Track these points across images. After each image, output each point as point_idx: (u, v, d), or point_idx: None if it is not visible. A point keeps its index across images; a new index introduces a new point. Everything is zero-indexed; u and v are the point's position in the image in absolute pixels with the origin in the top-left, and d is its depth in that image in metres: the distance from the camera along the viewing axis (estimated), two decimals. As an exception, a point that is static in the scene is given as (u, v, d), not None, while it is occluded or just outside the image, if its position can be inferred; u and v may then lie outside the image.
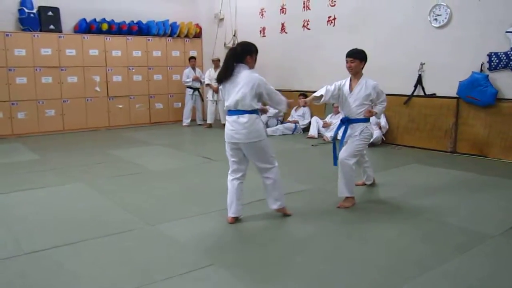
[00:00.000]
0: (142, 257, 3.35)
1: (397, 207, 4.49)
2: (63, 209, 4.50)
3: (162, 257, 3.36)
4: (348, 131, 4.59)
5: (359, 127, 4.50)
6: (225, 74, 3.82)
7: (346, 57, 4.52)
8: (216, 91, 10.26)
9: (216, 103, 10.39)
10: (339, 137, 4.70)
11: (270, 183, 4.00)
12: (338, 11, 8.77)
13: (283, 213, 4.16)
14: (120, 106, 10.60)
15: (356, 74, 4.54)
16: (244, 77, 3.77)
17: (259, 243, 3.64)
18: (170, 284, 2.93)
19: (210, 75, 10.41)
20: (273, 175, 3.98)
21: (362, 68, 4.56)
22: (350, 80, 4.60)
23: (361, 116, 4.51)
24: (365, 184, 5.23)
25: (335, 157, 4.71)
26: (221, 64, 10.81)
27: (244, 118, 3.77)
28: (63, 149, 7.84)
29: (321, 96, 4.56)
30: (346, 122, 4.60)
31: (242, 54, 3.84)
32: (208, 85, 10.47)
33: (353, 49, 4.56)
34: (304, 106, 5.10)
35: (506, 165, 6.30)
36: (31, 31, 9.29)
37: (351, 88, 4.55)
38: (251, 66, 3.89)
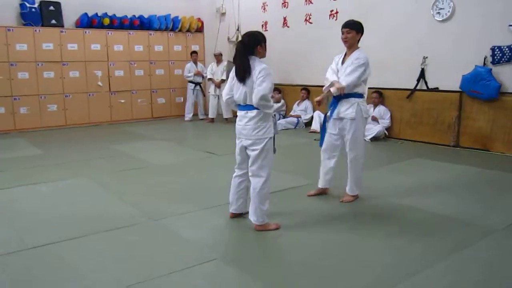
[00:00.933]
0: (146, 252, 3.36)
1: (399, 202, 4.48)
2: (66, 204, 4.51)
3: (166, 251, 3.36)
4: (339, 108, 4.30)
5: (350, 103, 4.24)
6: (245, 71, 3.58)
7: (342, 28, 4.28)
8: (218, 85, 10.24)
9: (218, 98, 10.36)
10: (333, 116, 4.40)
11: (251, 191, 3.75)
12: (340, 5, 8.73)
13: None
14: (122, 101, 10.58)
15: (351, 46, 4.29)
16: (253, 70, 3.59)
17: (262, 238, 3.64)
18: (174, 278, 2.93)
19: (212, 69, 10.41)
20: (258, 184, 3.67)
21: (358, 41, 4.32)
22: (345, 54, 4.37)
23: (353, 91, 4.24)
24: (323, 192, 4.70)
25: (323, 138, 4.49)
26: (223, 58, 10.74)
27: (252, 113, 3.63)
28: (66, 144, 7.84)
29: (331, 83, 4.27)
30: (338, 96, 4.30)
31: (252, 45, 3.62)
32: (210, 79, 10.46)
33: (349, 20, 4.34)
34: (319, 105, 4.40)
35: (509, 159, 6.29)
36: (32, 25, 9.27)
37: (343, 62, 4.34)
38: (262, 56, 3.70)
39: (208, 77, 10.48)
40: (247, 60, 3.60)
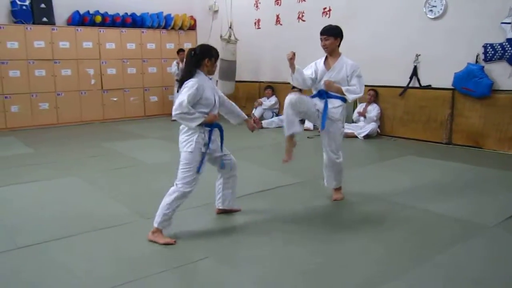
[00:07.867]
0: (137, 251, 3.33)
1: (392, 199, 4.48)
2: (57, 203, 4.47)
3: (157, 250, 3.34)
4: (329, 106, 4.19)
5: (337, 104, 4.19)
6: (182, 81, 3.51)
7: (320, 35, 4.24)
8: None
9: None
10: (316, 101, 4.24)
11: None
12: (333, 3, 8.72)
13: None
14: (115, 99, 10.53)
15: (332, 52, 4.24)
16: None
17: (253, 236, 3.63)
18: (166, 277, 2.92)
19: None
20: (170, 192, 3.61)
21: (339, 46, 4.25)
22: (326, 58, 4.32)
23: (340, 94, 4.19)
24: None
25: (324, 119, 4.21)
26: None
27: (182, 125, 3.54)
28: (57, 142, 7.78)
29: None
30: (324, 94, 4.22)
31: (200, 56, 3.52)
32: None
33: (326, 26, 4.30)
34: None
35: (501, 156, 6.31)
36: (23, 23, 9.19)
37: (328, 66, 4.27)
38: (210, 71, 3.59)
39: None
40: (192, 70, 3.50)
